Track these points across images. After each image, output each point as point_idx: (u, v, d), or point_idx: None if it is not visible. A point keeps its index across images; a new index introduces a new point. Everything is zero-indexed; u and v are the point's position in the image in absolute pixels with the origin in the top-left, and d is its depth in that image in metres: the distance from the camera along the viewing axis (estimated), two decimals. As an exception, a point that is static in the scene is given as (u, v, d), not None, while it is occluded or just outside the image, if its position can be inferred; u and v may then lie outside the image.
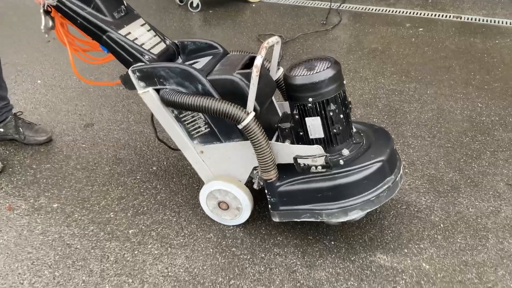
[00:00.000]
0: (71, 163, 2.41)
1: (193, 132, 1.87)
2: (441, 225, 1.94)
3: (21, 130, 2.49)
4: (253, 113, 1.69)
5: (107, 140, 2.59)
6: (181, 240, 1.93)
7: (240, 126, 1.69)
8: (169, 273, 1.79)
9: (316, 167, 1.72)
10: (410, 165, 2.29)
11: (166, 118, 1.84)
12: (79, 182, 2.28)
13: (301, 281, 1.73)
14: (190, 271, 1.79)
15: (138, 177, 2.30)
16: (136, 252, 1.88)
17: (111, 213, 2.08)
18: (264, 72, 1.86)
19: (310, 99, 1.69)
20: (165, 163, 2.40)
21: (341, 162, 1.74)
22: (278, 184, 1.77)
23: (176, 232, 1.97)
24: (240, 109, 1.67)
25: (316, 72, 1.69)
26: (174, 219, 2.04)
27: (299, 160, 1.72)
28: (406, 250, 1.83)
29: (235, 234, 1.95)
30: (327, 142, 1.76)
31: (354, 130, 1.88)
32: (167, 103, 1.78)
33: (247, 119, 1.67)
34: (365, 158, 1.74)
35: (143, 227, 2.00)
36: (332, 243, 1.89)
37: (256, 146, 1.70)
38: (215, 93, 1.74)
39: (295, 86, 1.70)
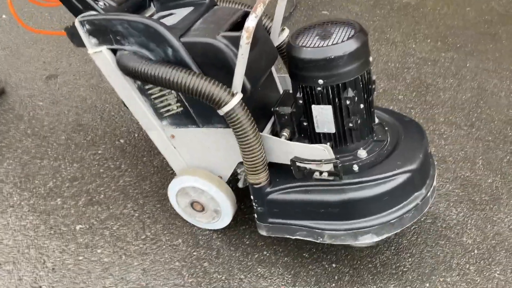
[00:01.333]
0: (21, 126, 1.98)
1: (161, 110, 1.42)
2: (475, 251, 1.52)
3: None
4: (239, 96, 1.23)
5: (71, 98, 2.14)
6: (141, 246, 1.53)
7: (221, 112, 1.23)
8: (119, 293, 1.39)
9: (321, 173, 1.27)
10: (440, 161, 1.84)
11: (125, 89, 1.39)
12: (26, 152, 1.86)
13: (288, 320, 1.34)
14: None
15: (99, 152, 1.87)
16: (81, 258, 1.49)
17: (59, 200, 1.68)
18: (261, 36, 1.38)
19: (321, 81, 1.22)
20: (136, 135, 1.96)
21: (356, 168, 1.30)
22: (268, 190, 1.34)
23: (136, 234, 1.56)
24: (222, 89, 1.21)
25: (333, 44, 1.20)
26: (136, 214, 1.63)
27: (299, 164, 1.27)
28: (428, 285, 1.42)
29: (210, 242, 1.54)
30: (338, 139, 1.32)
31: (376, 121, 1.41)
32: (124, 70, 1.32)
33: (230, 104, 1.21)
34: (388, 166, 1.30)
35: (95, 222, 1.60)
36: (334, 265, 1.48)
37: (242, 140, 1.25)
38: (190, 62, 1.27)
39: (302, 61, 1.23)
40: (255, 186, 1.33)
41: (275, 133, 1.42)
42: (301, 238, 1.36)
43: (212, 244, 1.54)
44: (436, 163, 1.75)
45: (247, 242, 1.55)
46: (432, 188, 1.36)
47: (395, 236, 1.55)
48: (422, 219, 1.62)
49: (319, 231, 1.32)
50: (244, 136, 1.25)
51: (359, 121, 1.29)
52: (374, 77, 1.42)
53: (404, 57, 2.52)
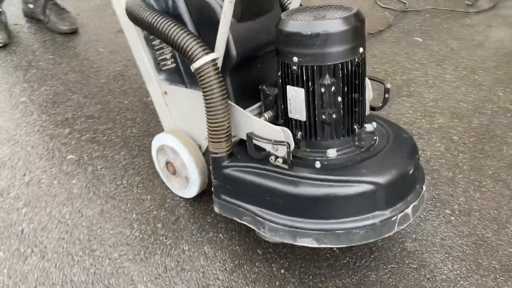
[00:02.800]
0: (73, 62, 2.17)
1: (161, 64, 1.44)
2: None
3: (47, 12, 2.29)
4: (213, 55, 1.21)
5: (127, 52, 2.27)
6: (112, 190, 1.57)
7: (192, 69, 1.22)
8: (68, 221, 1.44)
9: (276, 158, 1.19)
10: (463, 213, 1.61)
11: (133, 36, 1.45)
12: (64, 84, 2.04)
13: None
14: (92, 228, 1.44)
15: (125, 102, 1.98)
16: (55, 182, 1.58)
17: (67, 129, 1.81)
18: (270, 11, 1.34)
19: (295, 59, 1.16)
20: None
21: (317, 164, 1.21)
22: (225, 163, 1.29)
23: (114, 178, 1.61)
24: (198, 44, 1.20)
25: (313, 20, 1.13)
26: (124, 162, 1.69)
27: (255, 141, 1.21)
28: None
29: (174, 208, 1.53)
30: (308, 131, 1.23)
31: (369, 128, 1.30)
32: (128, 15, 1.38)
33: (201, 60, 1.19)
34: (352, 170, 1.17)
35: (85, 157, 1.69)
36: (282, 271, 1.37)
37: (207, 102, 1.23)
38: (187, 16, 1.28)
39: (281, 33, 1.18)
40: (213, 155, 1.29)
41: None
42: (247, 224, 1.29)
43: (176, 210, 1.52)
44: (459, 211, 1.57)
45: (208, 220, 1.51)
46: (403, 215, 1.20)
47: (366, 268, 1.39)
48: (406, 261, 1.43)
49: (262, 220, 1.24)
50: (209, 98, 1.22)
51: (334, 116, 1.19)
52: (388, 85, 1.32)
53: (483, 101, 2.26)
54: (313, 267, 1.39)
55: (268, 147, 1.21)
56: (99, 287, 1.29)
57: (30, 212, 1.47)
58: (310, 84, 1.16)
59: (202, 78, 1.21)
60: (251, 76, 1.34)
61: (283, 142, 1.16)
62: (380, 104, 1.39)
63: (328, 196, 1.16)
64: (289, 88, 1.20)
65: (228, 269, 1.36)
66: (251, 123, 1.24)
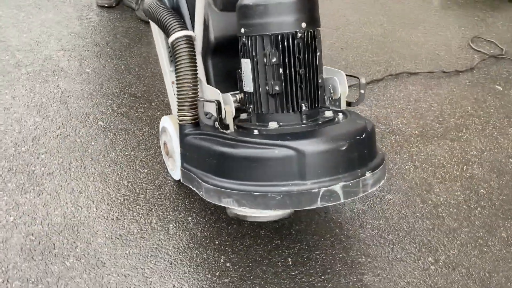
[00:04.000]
0: (143, 49, 2.45)
1: (171, 55, 1.62)
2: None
3: (140, 1, 2.60)
4: (187, 32, 1.39)
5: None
6: (118, 157, 1.79)
7: (168, 42, 1.42)
8: (71, 173, 1.69)
9: (215, 121, 1.34)
10: (447, 266, 1.52)
11: (154, 31, 1.68)
12: (127, 65, 2.30)
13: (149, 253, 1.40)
14: (87, 184, 1.66)
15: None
16: (77, 140, 1.83)
17: (109, 101, 2.05)
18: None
19: (243, 30, 1.29)
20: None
21: (255, 132, 1.30)
22: (187, 131, 1.43)
23: (125, 148, 1.83)
24: (175, 21, 1.39)
25: None
26: (141, 138, 1.90)
27: (199, 102, 1.39)
28: None
29: (162, 185, 1.69)
30: (254, 102, 1.32)
31: (328, 115, 1.38)
32: (143, 10, 1.61)
33: (176, 34, 1.38)
34: (280, 137, 1.25)
35: (112, 126, 1.92)
36: (227, 265, 1.44)
37: (177, 72, 1.42)
38: (186, 11, 1.45)
39: (236, 9, 1.31)
40: (179, 123, 1.44)
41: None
42: (194, 189, 1.40)
43: (162, 187, 1.67)
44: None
45: (186, 203, 1.63)
46: (328, 191, 1.20)
47: (311, 286, 1.39)
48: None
49: (201, 182, 1.34)
50: (178, 68, 1.40)
51: (276, 88, 1.26)
52: (363, 80, 1.42)
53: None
54: (259, 269, 1.43)
55: (209, 108, 1.33)
56: (68, 232, 1.49)
57: (46, 158, 1.73)
58: (254, 55, 1.26)
59: (175, 50, 1.37)
60: (234, 64, 1.42)
61: (213, 100, 1.28)
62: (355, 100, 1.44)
63: (249, 157, 1.23)
64: (242, 61, 1.31)
65: (180, 249, 1.47)
66: (203, 88, 1.38)
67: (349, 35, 2.86)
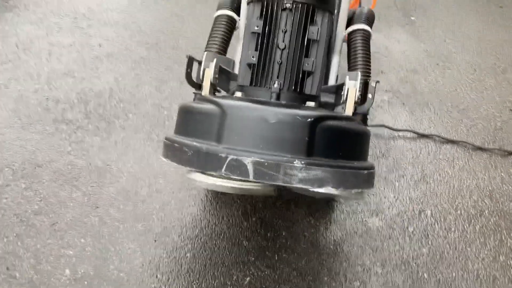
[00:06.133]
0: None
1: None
2: None
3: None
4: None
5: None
6: (138, 138, 1.82)
7: None
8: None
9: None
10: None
11: None
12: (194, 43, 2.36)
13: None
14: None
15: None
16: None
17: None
18: None
19: None
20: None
21: (219, 95, 1.29)
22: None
23: (150, 130, 1.87)
24: None
25: None
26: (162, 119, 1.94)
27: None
28: None
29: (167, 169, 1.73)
30: (239, 73, 1.30)
31: (310, 104, 1.27)
32: None
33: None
34: (222, 98, 1.20)
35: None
36: (188, 256, 1.48)
37: None
38: None
39: None
40: None
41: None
42: None
43: (166, 170, 1.72)
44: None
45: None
46: (236, 161, 1.06)
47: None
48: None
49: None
50: None
51: (252, 58, 1.23)
52: (373, 84, 1.29)
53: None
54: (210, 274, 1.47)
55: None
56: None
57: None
58: (246, 23, 1.28)
59: None
60: None
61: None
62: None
63: (187, 111, 1.21)
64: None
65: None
66: None
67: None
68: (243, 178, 1.07)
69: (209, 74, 1.28)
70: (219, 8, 1.55)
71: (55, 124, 1.87)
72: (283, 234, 1.54)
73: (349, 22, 1.54)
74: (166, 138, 1.21)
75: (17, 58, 2.22)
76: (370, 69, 1.47)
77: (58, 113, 1.93)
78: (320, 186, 1.09)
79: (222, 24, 1.50)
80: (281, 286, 1.39)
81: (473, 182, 1.81)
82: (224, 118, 1.10)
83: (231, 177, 1.08)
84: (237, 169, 1.06)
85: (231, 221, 1.57)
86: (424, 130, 2.03)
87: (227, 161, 1.06)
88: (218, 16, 1.53)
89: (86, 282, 1.35)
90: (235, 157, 1.06)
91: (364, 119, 1.46)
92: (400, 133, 2.01)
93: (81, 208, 1.56)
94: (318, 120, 1.11)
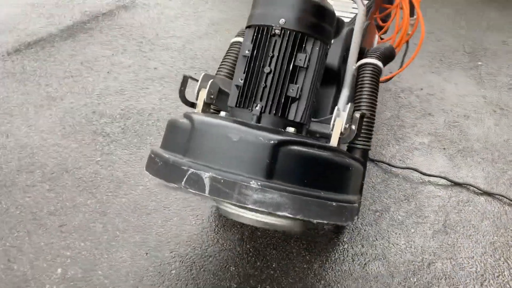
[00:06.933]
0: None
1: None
2: None
3: None
4: None
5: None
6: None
7: None
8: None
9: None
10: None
11: None
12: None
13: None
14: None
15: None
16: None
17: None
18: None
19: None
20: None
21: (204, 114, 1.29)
22: None
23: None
24: None
25: None
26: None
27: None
28: None
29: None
30: (231, 96, 1.31)
31: (290, 130, 1.24)
32: None
33: None
34: (199, 114, 1.22)
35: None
36: (170, 254, 1.48)
37: None
38: None
39: None
40: None
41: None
42: None
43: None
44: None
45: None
46: (195, 175, 1.06)
47: None
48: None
49: None
50: None
51: (239, 80, 1.25)
52: (356, 115, 1.22)
53: None
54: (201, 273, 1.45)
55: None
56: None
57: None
58: (241, 46, 1.30)
59: None
60: None
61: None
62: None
63: (169, 125, 1.25)
64: None
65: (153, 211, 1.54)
66: None
67: None
68: (199, 193, 1.08)
69: (203, 94, 1.32)
70: (236, 35, 1.60)
71: (93, 136, 2.01)
72: (273, 265, 1.51)
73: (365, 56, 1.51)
74: (150, 151, 1.27)
75: (78, 74, 2.44)
76: (374, 104, 1.42)
77: (99, 126, 2.08)
78: (276, 210, 1.07)
79: (234, 50, 1.55)
80: (255, 317, 1.36)
81: (501, 239, 1.64)
82: (192, 132, 1.14)
83: (191, 191, 1.10)
84: (196, 183, 1.07)
85: (224, 245, 1.57)
86: (459, 179, 1.89)
87: (187, 174, 1.08)
88: (233, 42, 1.58)
89: (72, 283, 1.42)
90: (194, 170, 1.07)
91: (364, 154, 1.41)
92: (432, 179, 1.89)
93: (90, 214, 1.65)
94: (282, 143, 1.09)
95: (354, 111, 1.26)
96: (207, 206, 1.70)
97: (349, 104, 1.25)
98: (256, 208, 1.07)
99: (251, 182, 1.05)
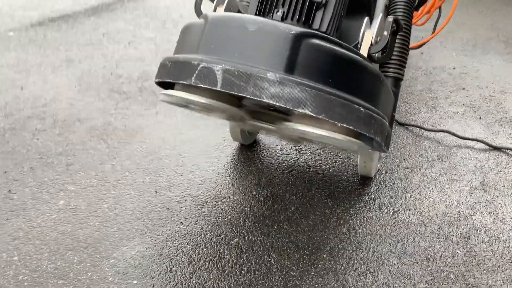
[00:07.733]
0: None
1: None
2: None
3: None
4: None
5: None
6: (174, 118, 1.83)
7: None
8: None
9: None
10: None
11: None
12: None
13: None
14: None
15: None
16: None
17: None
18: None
19: None
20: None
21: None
22: None
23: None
24: None
25: None
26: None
27: None
28: None
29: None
30: None
31: None
32: None
33: None
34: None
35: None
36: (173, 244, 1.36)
37: None
38: None
39: None
40: None
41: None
42: None
43: (196, 139, 1.67)
44: None
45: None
46: (206, 68, 0.98)
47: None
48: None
49: None
50: None
51: None
52: None
53: None
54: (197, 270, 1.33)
55: None
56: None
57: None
58: None
59: None
60: None
61: None
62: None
63: (184, 29, 1.16)
64: None
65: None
66: None
67: None
68: (211, 88, 0.99)
69: (220, 10, 1.24)
70: None
71: (110, 93, 1.95)
72: (292, 208, 1.38)
73: None
74: (162, 59, 1.17)
75: (99, 43, 2.40)
76: (409, 16, 1.30)
77: (116, 85, 2.01)
78: (295, 107, 0.97)
79: None
80: (271, 254, 1.22)
81: (546, 198, 1.48)
82: (206, 27, 1.05)
83: (200, 86, 1.00)
84: (206, 77, 0.98)
85: (240, 189, 1.45)
86: (498, 144, 1.74)
87: (198, 69, 1.00)
88: None
89: (74, 213, 1.32)
90: (205, 64, 0.99)
91: (396, 83, 1.30)
92: (468, 143, 1.74)
93: (100, 156, 1.55)
94: (304, 35, 1.00)
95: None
96: (224, 155, 1.59)
97: (380, 14, 1.15)
98: (273, 102, 0.97)
99: (268, 74, 0.96)
